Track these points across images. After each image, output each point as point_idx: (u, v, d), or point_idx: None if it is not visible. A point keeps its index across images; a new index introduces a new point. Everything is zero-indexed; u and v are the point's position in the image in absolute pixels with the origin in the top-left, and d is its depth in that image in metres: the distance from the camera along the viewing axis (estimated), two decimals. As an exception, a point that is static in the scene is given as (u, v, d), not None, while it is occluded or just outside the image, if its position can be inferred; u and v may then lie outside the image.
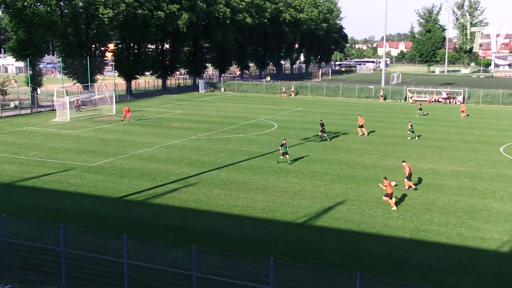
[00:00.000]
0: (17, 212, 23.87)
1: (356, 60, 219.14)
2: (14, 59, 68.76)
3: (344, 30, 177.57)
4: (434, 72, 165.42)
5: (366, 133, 46.95)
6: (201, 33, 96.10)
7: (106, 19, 70.58)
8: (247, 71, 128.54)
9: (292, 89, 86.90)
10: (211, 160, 35.85)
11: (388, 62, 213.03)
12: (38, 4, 62.76)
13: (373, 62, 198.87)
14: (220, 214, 24.62)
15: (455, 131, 50.23)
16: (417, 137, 45.28)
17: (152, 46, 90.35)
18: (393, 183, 28.24)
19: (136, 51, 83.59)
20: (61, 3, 67.69)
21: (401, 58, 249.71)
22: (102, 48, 75.92)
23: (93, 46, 73.67)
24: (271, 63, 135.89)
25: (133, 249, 18.35)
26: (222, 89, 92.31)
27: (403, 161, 30.74)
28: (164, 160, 35.46)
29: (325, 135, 44.14)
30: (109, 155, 36.94)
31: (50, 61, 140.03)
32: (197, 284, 16.15)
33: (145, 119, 55.00)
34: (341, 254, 20.21)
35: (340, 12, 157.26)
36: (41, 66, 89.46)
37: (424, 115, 61.08)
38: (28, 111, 60.51)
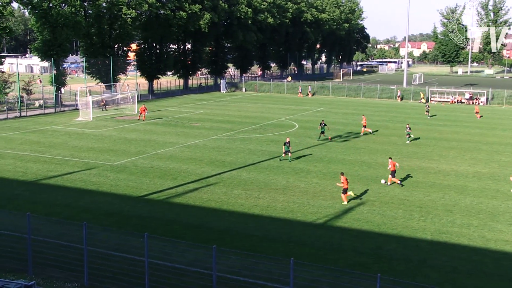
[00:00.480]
0: (41, 210, 24.26)
1: (378, 60, 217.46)
2: (39, 59, 69.85)
3: (366, 30, 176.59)
4: (457, 72, 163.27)
5: (370, 131, 47.91)
6: (223, 33, 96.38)
7: (129, 19, 71.26)
8: (268, 71, 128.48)
9: (309, 89, 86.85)
10: (232, 160, 35.93)
11: (410, 62, 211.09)
12: (63, 4, 63.65)
13: (395, 62, 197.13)
14: (240, 214, 24.66)
15: (478, 132, 49.52)
16: (408, 141, 43.33)
17: (174, 46, 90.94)
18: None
19: (158, 51, 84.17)
20: (85, 4, 68.59)
21: (423, 58, 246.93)
22: (124, 48, 76.63)
23: (116, 46, 74.43)
24: (292, 63, 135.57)
25: (154, 247, 18.49)
26: (243, 89, 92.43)
27: (390, 158, 30.96)
28: (185, 160, 35.65)
29: (322, 135, 44.04)
30: (130, 154, 37.27)
31: (74, 61, 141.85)
32: (217, 284, 16.20)
33: (166, 119, 55.36)
34: (361, 255, 20.08)
35: (362, 12, 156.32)
36: (65, 66, 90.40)
37: (429, 117, 59.48)
38: (52, 110, 61.38)
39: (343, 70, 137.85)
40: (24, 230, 18.60)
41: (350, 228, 22.89)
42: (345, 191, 26.33)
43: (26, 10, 68.12)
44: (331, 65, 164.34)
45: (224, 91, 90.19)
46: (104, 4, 69.66)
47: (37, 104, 63.84)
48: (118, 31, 72.75)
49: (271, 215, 24.48)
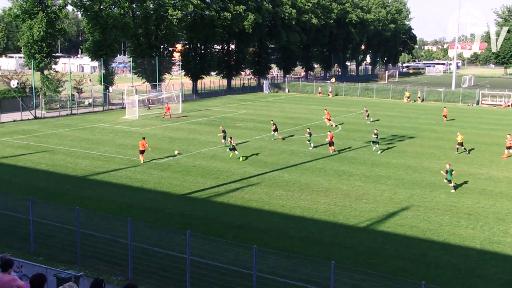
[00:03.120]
0: (89, 204, 24.95)
1: (425, 62, 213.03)
2: (90, 59, 72.12)
3: (412, 31, 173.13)
4: (511, 74, 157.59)
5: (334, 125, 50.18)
6: (267, 33, 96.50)
7: (175, 20, 72.43)
8: (311, 72, 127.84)
9: (330, 90, 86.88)
10: (274, 160, 35.95)
11: (460, 64, 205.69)
12: (113, 6, 65.57)
13: (443, 64, 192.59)
14: (281, 215, 24.65)
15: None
16: (378, 149, 39.48)
17: (218, 47, 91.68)
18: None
19: (202, 51, 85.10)
20: (134, 6, 70.19)
21: (474, 60, 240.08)
22: (170, 49, 78.01)
23: (162, 46, 75.80)
24: (336, 64, 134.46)
25: (196, 245, 18.73)
26: (286, 90, 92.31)
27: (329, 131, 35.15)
28: (227, 159, 35.91)
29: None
30: (174, 152, 37.81)
31: (122, 61, 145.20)
32: (257, 284, 16.26)
33: (209, 118, 55.88)
34: (405, 261, 19.72)
35: (409, 12, 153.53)
36: (113, 65, 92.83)
37: (369, 122, 54.67)
38: (101, 108, 63.03)
39: (388, 72, 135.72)
40: (74, 223, 19.27)
41: (394, 233, 22.53)
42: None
43: (79, 12, 70.58)
44: (375, 66, 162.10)
45: (267, 92, 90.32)
46: (151, 6, 71.10)
47: (86, 102, 65.74)
48: (164, 32, 74.07)
49: (312, 217, 24.37)
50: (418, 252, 20.57)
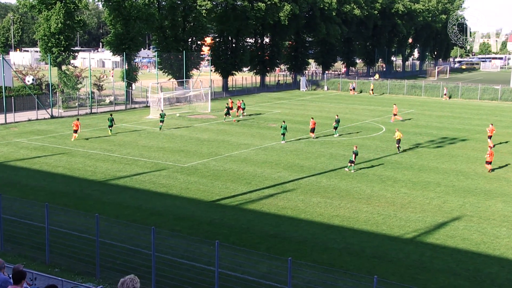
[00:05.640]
0: (109, 211, 25.33)
1: (480, 56, 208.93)
2: (111, 53, 73.02)
3: (466, 22, 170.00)
4: None
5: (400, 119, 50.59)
6: (304, 26, 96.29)
7: (204, 11, 72.90)
8: (353, 68, 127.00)
9: (351, 86, 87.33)
10: (311, 164, 35.84)
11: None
12: (137, -4, 66.25)
13: (500, 58, 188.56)
14: (319, 224, 24.55)
15: None
16: (336, 134, 46.34)
17: (251, 40, 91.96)
18: None
19: (234, 45, 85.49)
20: (159, -5, 70.99)
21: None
22: (198, 42, 78.47)
23: (190, 39, 76.43)
24: (380, 59, 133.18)
25: (225, 256, 18.78)
26: (325, 88, 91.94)
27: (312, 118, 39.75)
28: (260, 163, 35.96)
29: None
30: (202, 155, 38.10)
31: (146, 56, 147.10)
32: (292, 299, 16.20)
33: (241, 118, 56.06)
34: (456, 277, 19.38)
35: (463, 1, 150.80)
36: (136, 60, 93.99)
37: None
38: (123, 107, 63.90)
39: (438, 68, 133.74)
40: (92, 232, 19.51)
41: (443, 246, 22.18)
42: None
43: (100, 3, 71.62)
44: (424, 62, 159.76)
45: (304, 90, 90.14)
46: (180, -5, 71.61)
47: (107, 100, 66.71)
48: (192, 24, 74.67)
49: (353, 227, 24.20)
50: (471, 268, 20.18)
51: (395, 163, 36.54)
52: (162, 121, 48.31)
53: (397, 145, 40.30)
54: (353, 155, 34.10)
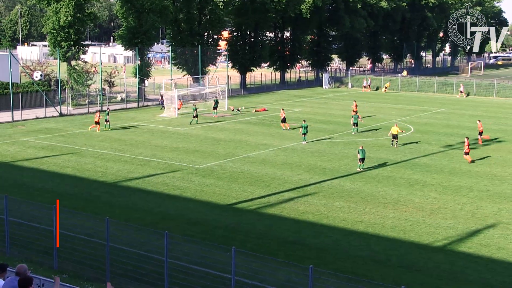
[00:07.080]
0: (120, 214, 25.49)
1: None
2: (123, 48, 73.49)
3: (503, 14, 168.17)
4: None
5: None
6: (327, 19, 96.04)
7: (221, 3, 73.09)
8: (379, 64, 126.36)
9: (364, 83, 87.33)
10: (333, 166, 35.75)
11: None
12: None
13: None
14: (342, 230, 24.48)
15: None
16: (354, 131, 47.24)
17: (270, 34, 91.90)
18: None
19: (252, 39, 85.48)
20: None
21: None
22: (215, 36, 78.57)
23: (206, 34, 76.53)
24: (409, 55, 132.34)
25: (242, 263, 18.77)
26: (350, 85, 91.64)
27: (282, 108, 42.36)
28: (279, 165, 35.95)
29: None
30: (218, 156, 38.19)
31: (159, 50, 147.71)
32: (313, 310, 16.16)
33: (259, 117, 56.09)
34: (490, 289, 19.19)
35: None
36: (149, 55, 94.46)
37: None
38: (135, 104, 64.27)
39: (471, 64, 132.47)
40: (102, 236, 19.65)
41: (477, 255, 21.99)
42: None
43: (111, -6, 72.17)
44: (456, 57, 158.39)
45: (326, 87, 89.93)
46: (194, -13, 71.89)
47: (119, 97, 67.18)
48: (208, 17, 74.81)
49: (378, 233, 24.09)
50: (508, 280, 20.01)
51: (424, 166, 36.28)
52: (196, 116, 51.14)
53: (392, 140, 42.16)
54: (358, 154, 34.80)
